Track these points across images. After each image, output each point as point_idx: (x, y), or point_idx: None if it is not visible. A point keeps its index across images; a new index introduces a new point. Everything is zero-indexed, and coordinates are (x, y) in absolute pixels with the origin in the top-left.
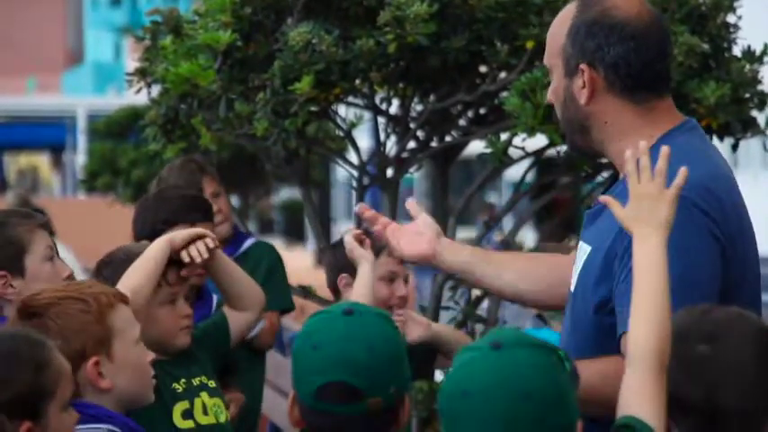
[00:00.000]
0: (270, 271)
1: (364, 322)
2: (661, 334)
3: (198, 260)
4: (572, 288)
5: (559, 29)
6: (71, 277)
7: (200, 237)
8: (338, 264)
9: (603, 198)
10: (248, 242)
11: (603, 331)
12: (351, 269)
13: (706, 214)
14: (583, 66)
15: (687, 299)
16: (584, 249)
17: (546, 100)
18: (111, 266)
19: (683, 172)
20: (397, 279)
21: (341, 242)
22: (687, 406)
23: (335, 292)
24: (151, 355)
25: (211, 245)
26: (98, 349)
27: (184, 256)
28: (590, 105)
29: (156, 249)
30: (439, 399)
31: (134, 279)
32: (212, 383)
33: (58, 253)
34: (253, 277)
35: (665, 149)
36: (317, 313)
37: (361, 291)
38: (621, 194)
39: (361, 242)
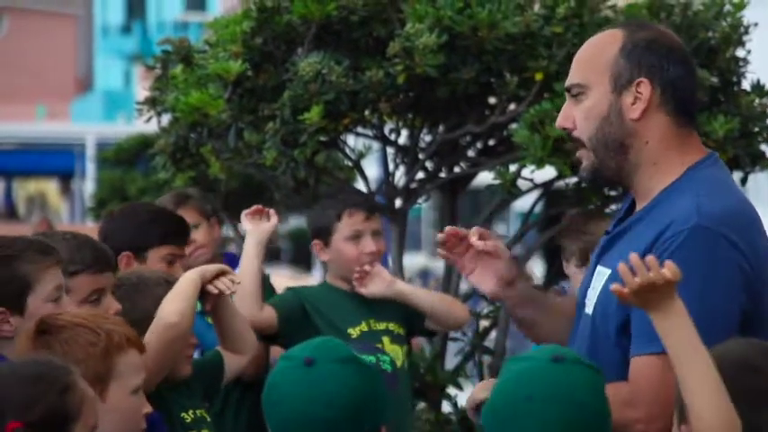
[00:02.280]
0: None
1: (324, 373)
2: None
3: (227, 292)
4: (588, 310)
5: (605, 47)
6: None
7: (224, 272)
8: (310, 230)
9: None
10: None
11: (627, 354)
12: (322, 234)
13: (735, 246)
14: (641, 79)
15: (709, 331)
16: (602, 273)
17: (558, 124)
18: (123, 289)
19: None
20: (363, 236)
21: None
22: None
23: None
24: (148, 408)
25: (237, 281)
26: (93, 385)
27: (212, 288)
28: (639, 122)
29: (190, 280)
30: (497, 400)
31: (178, 304)
32: (209, 418)
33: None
34: None
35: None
36: (282, 357)
37: (244, 262)
38: (640, 223)
39: (257, 214)
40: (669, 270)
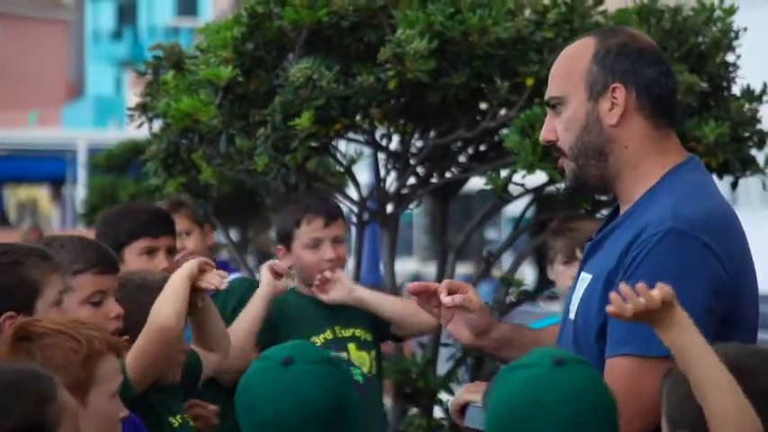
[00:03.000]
0: (239, 305)
1: (301, 373)
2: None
3: (222, 287)
4: (571, 316)
5: (579, 57)
6: None
7: (207, 265)
8: (276, 236)
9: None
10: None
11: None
12: (284, 240)
13: (709, 250)
14: (616, 84)
15: None
16: (584, 279)
17: (542, 138)
18: (126, 289)
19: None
20: (322, 244)
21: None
22: None
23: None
24: (125, 413)
25: (224, 274)
26: (74, 391)
27: (205, 284)
28: (617, 127)
29: (181, 279)
30: (503, 410)
31: (172, 306)
32: (192, 424)
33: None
34: (223, 312)
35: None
36: (260, 358)
37: (250, 307)
38: (620, 228)
39: (275, 274)
40: (660, 292)
